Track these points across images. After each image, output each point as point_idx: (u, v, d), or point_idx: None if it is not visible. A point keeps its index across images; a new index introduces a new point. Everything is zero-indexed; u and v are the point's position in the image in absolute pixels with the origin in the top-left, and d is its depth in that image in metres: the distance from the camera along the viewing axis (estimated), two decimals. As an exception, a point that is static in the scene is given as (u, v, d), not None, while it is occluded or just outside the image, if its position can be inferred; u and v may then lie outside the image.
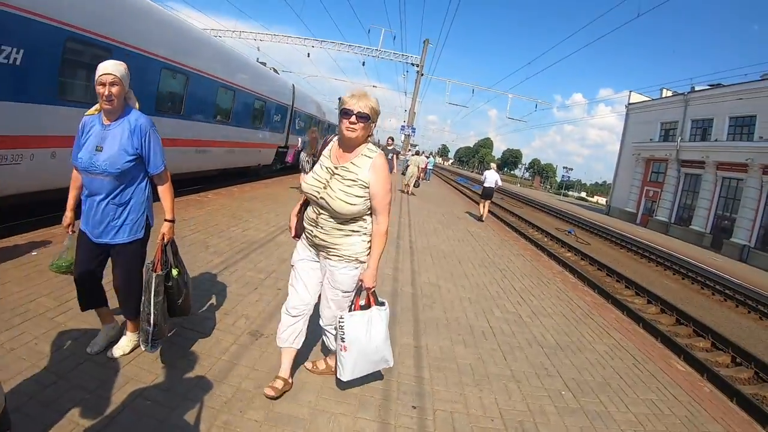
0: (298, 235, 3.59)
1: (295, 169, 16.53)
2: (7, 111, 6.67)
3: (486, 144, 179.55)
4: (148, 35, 9.68)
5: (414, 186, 22.76)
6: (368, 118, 3.08)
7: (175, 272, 3.51)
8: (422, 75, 38.47)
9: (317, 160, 3.30)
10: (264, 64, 21.18)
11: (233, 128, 15.21)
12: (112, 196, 3.25)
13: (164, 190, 3.49)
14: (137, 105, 3.39)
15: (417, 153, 31.33)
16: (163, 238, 3.46)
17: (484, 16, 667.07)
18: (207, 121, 13.17)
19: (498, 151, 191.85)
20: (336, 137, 3.30)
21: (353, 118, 3.04)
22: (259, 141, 17.96)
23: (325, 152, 3.31)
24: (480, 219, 17.20)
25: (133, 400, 3.14)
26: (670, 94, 44.76)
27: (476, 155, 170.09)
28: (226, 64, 14.13)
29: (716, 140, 35.98)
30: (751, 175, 31.38)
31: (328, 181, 3.13)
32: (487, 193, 17.63)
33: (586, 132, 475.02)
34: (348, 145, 3.17)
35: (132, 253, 3.45)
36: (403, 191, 22.02)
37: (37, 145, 7.24)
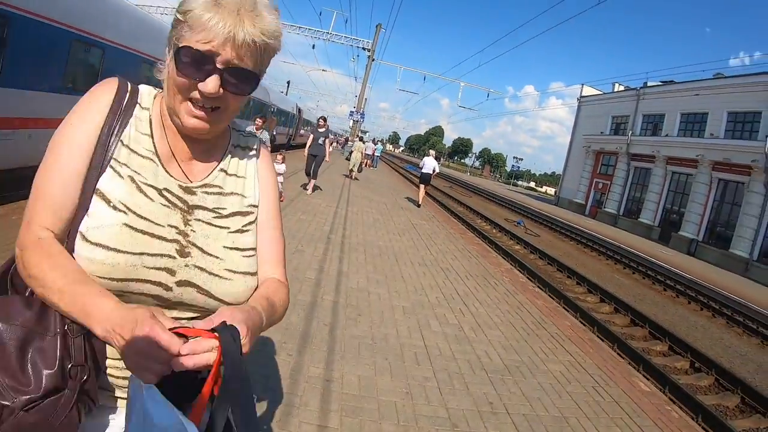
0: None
1: None
2: None
3: (437, 132, 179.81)
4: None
5: (357, 171, 23.89)
6: (255, 80, 1.12)
7: None
8: (373, 60, 37.60)
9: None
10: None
11: None
12: None
13: None
14: None
15: (360, 139, 30.56)
16: None
17: (437, 0, 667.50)
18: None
19: (449, 139, 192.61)
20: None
21: (221, 81, 1.03)
22: None
23: (138, 147, 1.15)
24: (418, 205, 17.85)
25: None
26: (622, 88, 45.60)
27: (427, 143, 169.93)
28: (135, 31, 12.60)
29: (667, 135, 36.58)
30: (700, 171, 32.00)
31: (182, 230, 1.13)
32: (425, 179, 18.30)
33: (536, 123, 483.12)
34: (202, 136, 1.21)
35: None
36: (346, 176, 22.75)
37: None
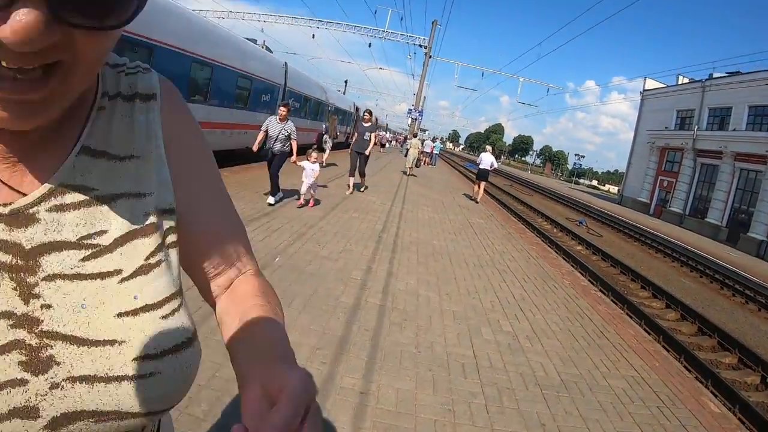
0: None
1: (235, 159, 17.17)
2: None
3: (497, 129, 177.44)
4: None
5: (414, 167, 24.15)
6: None
7: None
8: (430, 57, 37.26)
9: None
10: (254, 41, 19.89)
11: (210, 108, 13.92)
12: None
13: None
14: None
15: (415, 136, 30.71)
16: None
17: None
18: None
19: (509, 137, 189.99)
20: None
21: (46, 4, 0.40)
22: (243, 122, 16.58)
23: None
24: (475, 200, 17.76)
25: None
26: (686, 81, 43.15)
27: (487, 141, 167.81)
28: (202, 38, 12.86)
29: (734, 130, 34.25)
30: (771, 168, 29.84)
31: (24, 316, 0.54)
32: (482, 175, 18.06)
33: (598, 119, 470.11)
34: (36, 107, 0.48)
35: None
36: (404, 172, 22.93)
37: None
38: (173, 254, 0.67)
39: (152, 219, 0.65)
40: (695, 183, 37.91)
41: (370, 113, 13.45)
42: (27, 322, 0.54)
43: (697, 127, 37.97)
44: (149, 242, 0.63)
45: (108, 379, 0.57)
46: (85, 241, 0.58)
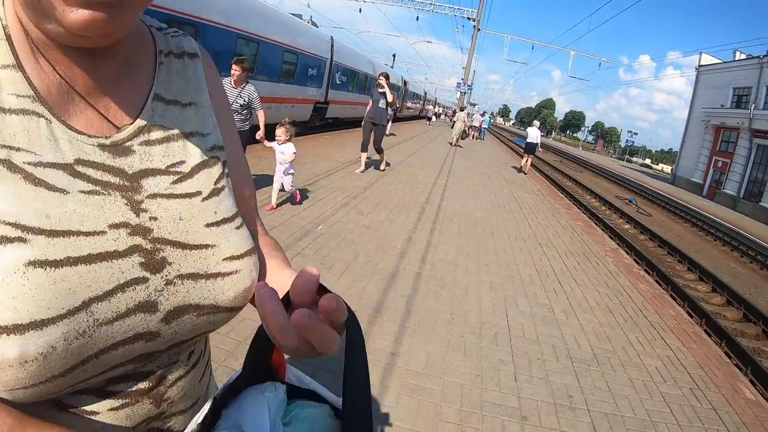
0: None
1: (328, 127, 20.53)
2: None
3: (548, 105, 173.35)
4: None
5: (462, 138, 25.93)
6: None
7: None
8: (479, 30, 36.54)
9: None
10: (300, 16, 19.90)
11: (258, 83, 13.93)
12: None
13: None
14: None
15: (462, 109, 30.64)
16: None
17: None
18: (226, 75, 11.98)
19: (560, 112, 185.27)
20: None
21: None
22: (290, 96, 16.67)
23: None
24: (521, 170, 18.75)
25: None
26: (744, 56, 40.56)
27: (538, 116, 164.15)
28: (246, 12, 12.96)
29: (794, 109, 32.19)
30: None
31: (138, 226, 0.64)
32: (530, 148, 18.98)
33: (652, 96, 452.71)
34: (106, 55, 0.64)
35: None
36: (451, 143, 24.36)
37: None
38: (229, 181, 0.80)
39: (214, 153, 0.78)
40: (750, 165, 35.84)
41: (387, 77, 10.85)
42: (141, 230, 0.64)
43: (753, 105, 35.56)
44: (215, 171, 0.76)
45: (207, 276, 0.69)
46: (171, 169, 0.70)
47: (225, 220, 0.74)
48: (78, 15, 0.51)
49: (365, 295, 4.51)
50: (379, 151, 11.59)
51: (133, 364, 0.65)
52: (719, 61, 44.14)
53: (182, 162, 0.72)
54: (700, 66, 45.99)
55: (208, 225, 0.71)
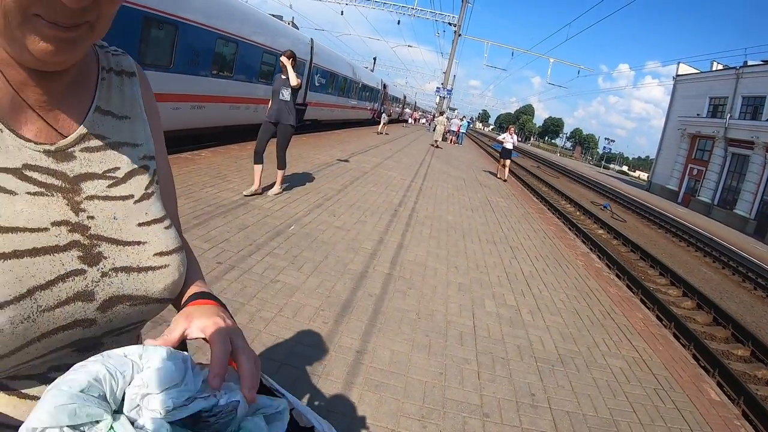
0: None
1: (314, 128, 21.13)
2: None
3: (527, 111, 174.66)
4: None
5: (441, 140, 29.03)
6: None
7: None
8: (459, 35, 36.80)
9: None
10: (280, 17, 19.86)
11: (235, 83, 13.97)
12: None
13: None
14: None
15: (441, 113, 32.22)
16: None
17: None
18: (205, 75, 12.01)
19: (539, 118, 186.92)
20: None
21: None
22: (268, 96, 16.44)
23: None
24: (498, 177, 18.74)
25: None
26: (720, 67, 41.61)
27: (517, 122, 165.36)
28: (225, 12, 12.83)
29: (768, 120, 33.06)
30: (804, 162, 28.67)
31: (77, 224, 0.72)
32: (505, 153, 18.93)
33: (630, 104, 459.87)
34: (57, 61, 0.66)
35: None
36: (432, 145, 27.02)
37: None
38: (158, 188, 0.89)
39: (145, 162, 0.87)
40: (725, 173, 36.69)
41: (292, 57, 7.61)
42: (80, 228, 0.72)
43: (729, 115, 36.58)
44: (145, 177, 0.85)
45: (139, 269, 0.77)
46: (107, 174, 0.79)
47: (155, 221, 0.83)
48: (42, 47, 0.62)
49: (334, 293, 4.51)
50: (281, 164, 7.90)
51: (76, 353, 0.71)
52: (697, 71, 45.17)
53: (117, 168, 0.81)
54: (677, 75, 46.96)
55: (140, 224, 0.80)
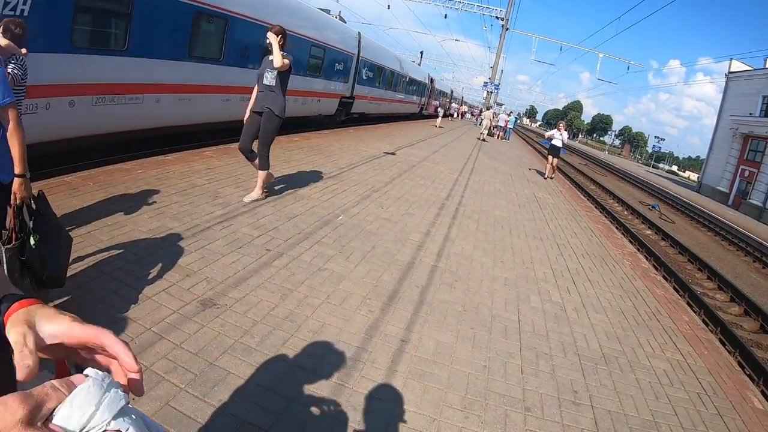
0: None
1: (361, 121, 22.10)
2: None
3: (575, 107, 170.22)
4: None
5: (487, 135, 29.43)
6: None
7: (32, 241, 2.64)
8: (507, 29, 36.22)
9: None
10: (328, 11, 19.92)
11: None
12: None
13: (8, 135, 2.59)
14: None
15: (488, 108, 32.48)
16: (17, 199, 2.65)
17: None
18: (253, 68, 11.92)
19: (588, 115, 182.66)
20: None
21: None
22: (316, 90, 16.72)
23: None
24: (545, 177, 16.99)
25: None
26: None
27: (565, 118, 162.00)
28: (274, 7, 12.93)
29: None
30: None
31: None
32: (553, 151, 16.97)
33: (682, 102, 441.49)
34: None
35: None
36: (478, 138, 27.57)
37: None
38: None
39: None
40: (778, 175, 35.16)
41: (282, 34, 6.15)
42: None
43: (784, 114, 34.87)
44: None
45: None
46: None
47: None
48: None
49: (380, 283, 4.57)
50: (263, 163, 6.40)
51: None
52: (750, 68, 42.91)
53: None
54: (730, 72, 44.78)
55: None
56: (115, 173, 6.33)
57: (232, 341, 3.12)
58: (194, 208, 5.59)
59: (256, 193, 6.37)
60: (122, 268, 3.84)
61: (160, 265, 4.01)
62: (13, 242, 2.57)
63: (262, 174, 6.39)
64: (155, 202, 5.55)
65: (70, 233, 3.35)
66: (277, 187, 7.05)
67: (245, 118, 6.51)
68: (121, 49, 7.59)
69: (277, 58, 5.97)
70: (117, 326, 3.04)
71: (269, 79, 6.19)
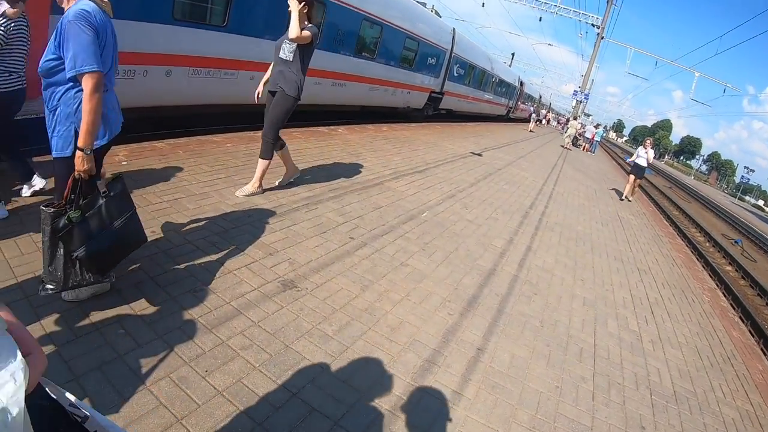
0: None
1: (447, 117, 22.12)
2: None
3: (664, 126, 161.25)
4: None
5: (573, 145, 29.66)
6: None
7: (72, 215, 2.55)
8: (602, 38, 34.79)
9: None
10: (424, 4, 19.67)
11: (377, 65, 14.01)
12: (46, 101, 2.63)
13: (83, 102, 2.54)
14: None
15: (574, 118, 32.61)
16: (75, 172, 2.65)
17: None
18: (347, 55, 12.20)
19: (677, 136, 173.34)
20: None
21: None
22: (407, 82, 16.62)
23: None
24: (622, 195, 14.86)
25: (107, 325, 2.68)
26: None
27: (653, 136, 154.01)
28: None
29: None
30: None
31: None
32: (636, 171, 14.84)
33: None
34: None
35: (59, 172, 2.77)
36: (562, 146, 27.52)
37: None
38: None
39: None
40: None
41: (305, 0, 5.00)
42: None
43: None
44: None
45: None
46: None
47: None
48: None
49: (461, 286, 4.61)
50: (265, 151, 5.42)
51: None
52: None
53: None
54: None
55: None
56: (205, 144, 6.64)
57: (310, 326, 3.24)
58: (280, 187, 5.78)
59: (251, 186, 5.41)
60: (206, 239, 4.05)
61: (243, 240, 4.21)
62: (54, 208, 2.53)
63: (262, 163, 5.41)
64: (243, 176, 5.76)
65: (146, 232, 3.19)
66: (363, 176, 7.18)
67: (257, 97, 5.57)
68: (221, 24, 7.77)
69: (293, 28, 4.89)
70: (197, 296, 3.22)
71: (286, 52, 5.17)
